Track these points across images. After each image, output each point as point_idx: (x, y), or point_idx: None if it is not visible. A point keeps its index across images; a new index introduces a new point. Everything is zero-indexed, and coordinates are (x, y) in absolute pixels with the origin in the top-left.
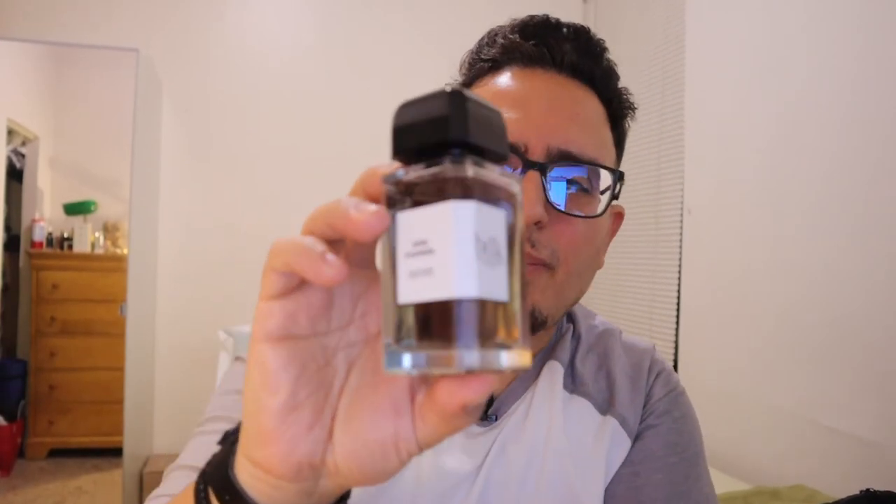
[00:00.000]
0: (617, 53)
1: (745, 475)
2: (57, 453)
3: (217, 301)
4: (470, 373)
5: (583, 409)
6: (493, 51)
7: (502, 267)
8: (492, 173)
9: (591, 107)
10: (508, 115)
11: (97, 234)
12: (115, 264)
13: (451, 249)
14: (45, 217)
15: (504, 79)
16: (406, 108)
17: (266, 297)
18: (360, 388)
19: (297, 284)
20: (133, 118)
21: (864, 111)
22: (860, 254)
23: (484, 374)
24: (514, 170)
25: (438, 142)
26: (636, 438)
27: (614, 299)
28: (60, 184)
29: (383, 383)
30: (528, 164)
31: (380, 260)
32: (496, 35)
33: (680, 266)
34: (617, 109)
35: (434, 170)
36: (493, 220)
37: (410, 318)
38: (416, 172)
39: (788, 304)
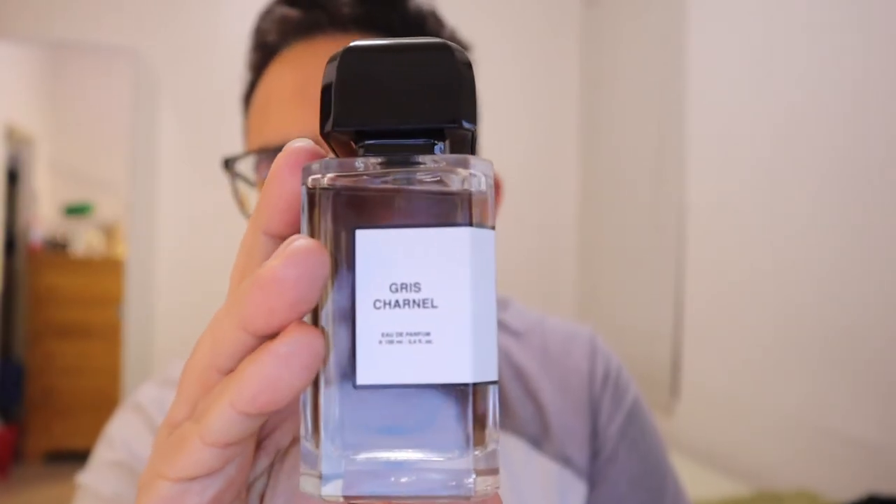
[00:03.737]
0: (619, 55)
1: (748, 479)
2: (54, 457)
3: (215, 303)
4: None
5: (516, 450)
6: (268, 37)
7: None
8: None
9: None
10: (288, 111)
11: (95, 236)
12: (112, 266)
13: (465, 303)
14: (42, 219)
15: (283, 65)
16: (362, 56)
17: (182, 478)
18: None
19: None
20: (131, 119)
21: (867, 110)
22: (865, 255)
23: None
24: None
25: (435, 126)
26: (597, 480)
27: (615, 301)
28: (58, 185)
29: None
30: None
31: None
32: (267, 13)
33: (681, 267)
34: None
35: (432, 167)
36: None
37: (373, 411)
38: (399, 170)
39: (792, 306)
